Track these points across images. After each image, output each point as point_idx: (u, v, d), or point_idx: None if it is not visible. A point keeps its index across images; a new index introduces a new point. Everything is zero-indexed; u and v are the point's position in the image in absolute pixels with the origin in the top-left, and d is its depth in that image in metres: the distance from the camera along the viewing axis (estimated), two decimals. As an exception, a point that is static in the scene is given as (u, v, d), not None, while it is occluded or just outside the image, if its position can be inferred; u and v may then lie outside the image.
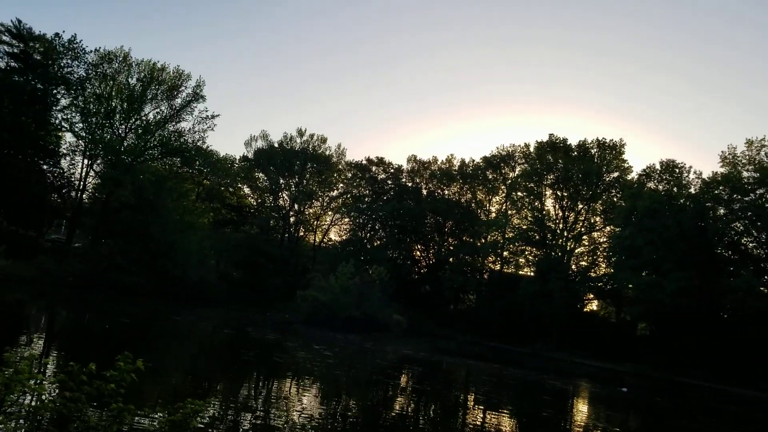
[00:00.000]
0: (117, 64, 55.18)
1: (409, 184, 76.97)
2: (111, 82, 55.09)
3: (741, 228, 51.74)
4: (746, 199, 50.30)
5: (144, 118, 56.45)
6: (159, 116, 56.57)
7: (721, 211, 51.47)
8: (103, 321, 28.25)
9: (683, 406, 29.71)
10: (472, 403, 20.26)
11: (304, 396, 16.66)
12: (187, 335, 29.28)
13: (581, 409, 23.12)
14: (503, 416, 18.25)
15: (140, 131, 55.85)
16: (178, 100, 56.52)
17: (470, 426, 15.78)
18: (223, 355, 24.03)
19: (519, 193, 67.72)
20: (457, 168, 75.00)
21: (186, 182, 61.98)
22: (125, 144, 55.48)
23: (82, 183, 54.55)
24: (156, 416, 9.73)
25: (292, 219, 75.30)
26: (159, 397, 13.48)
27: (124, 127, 56.18)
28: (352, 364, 26.57)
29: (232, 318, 43.23)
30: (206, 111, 57.04)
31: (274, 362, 22.67)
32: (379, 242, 76.34)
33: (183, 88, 56.34)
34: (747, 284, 44.57)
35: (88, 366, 5.92)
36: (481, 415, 17.88)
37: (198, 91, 56.51)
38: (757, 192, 50.38)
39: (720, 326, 49.82)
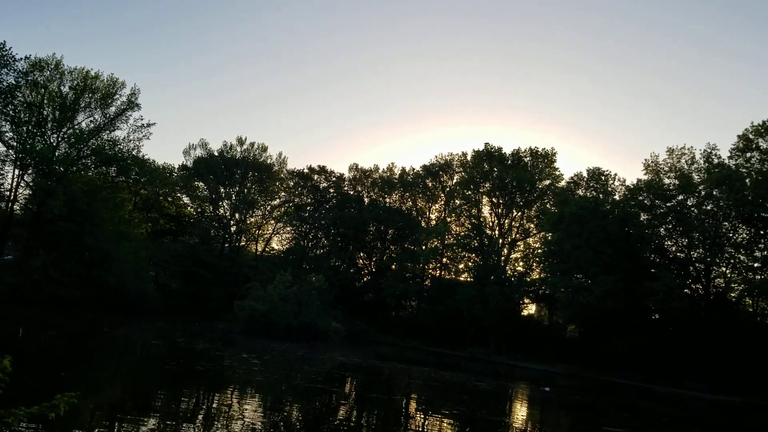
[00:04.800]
0: (48, 72, 54.17)
1: (351, 193, 77.69)
2: (42, 90, 53.99)
3: (664, 233, 54.20)
4: (668, 204, 52.74)
5: (77, 126, 55.50)
6: (93, 125, 55.75)
7: (644, 216, 53.80)
8: (32, 335, 27.81)
9: (600, 403, 31.09)
10: (412, 408, 20.79)
11: (212, 405, 16.99)
12: (113, 347, 29.05)
13: (504, 409, 23.99)
14: (443, 420, 18.85)
15: (73, 140, 54.82)
16: (113, 109, 55.87)
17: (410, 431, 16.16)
18: (143, 365, 24.04)
19: (457, 201, 69.24)
20: (397, 176, 76.14)
21: (122, 192, 61.13)
22: (57, 153, 54.36)
23: (12, 194, 53.19)
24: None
25: (233, 228, 74.92)
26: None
27: (56, 136, 55.11)
28: (276, 372, 26.89)
29: (168, 329, 42.86)
30: (141, 119, 56.52)
31: (196, 371, 22.80)
32: (321, 251, 76.81)
33: (117, 96, 55.73)
34: (667, 286, 46.71)
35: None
36: (421, 420, 18.44)
37: (133, 99, 55.90)
38: (678, 198, 52.95)
39: (646, 327, 51.94)
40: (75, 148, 54.86)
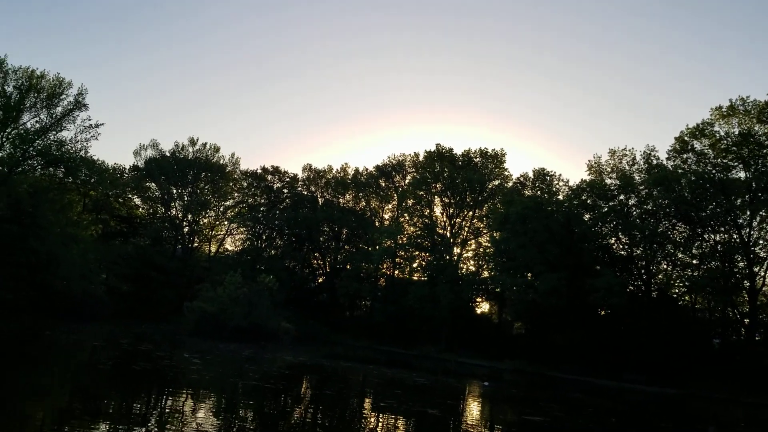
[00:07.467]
0: (-9, 71, 53.33)
1: (305, 193, 78.02)
2: (-15, 90, 53.12)
3: (606, 231, 55.94)
4: (610, 204, 54.50)
5: (22, 127, 54.68)
6: (38, 125, 54.98)
7: (587, 216, 55.46)
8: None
9: (535, 396, 32.15)
10: (340, 402, 21.24)
11: (140, 404, 17.27)
12: (49, 350, 28.78)
13: (434, 402, 24.63)
14: (367, 411, 19.33)
15: (18, 141, 54.00)
16: (59, 109, 55.17)
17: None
18: (75, 367, 24.06)
19: (409, 201, 70.12)
20: (351, 177, 76.72)
21: (70, 193, 60.31)
22: (1, 154, 53.56)
23: (-47, 195, 52.08)
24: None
25: (185, 229, 74.43)
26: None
27: (0, 136, 54.18)
28: (213, 371, 27.15)
29: (113, 332, 42.53)
30: (89, 119, 55.93)
31: (131, 371, 22.96)
32: (275, 251, 76.87)
33: (64, 96, 55.04)
34: (608, 283, 48.30)
35: None
36: (342, 412, 18.89)
37: (80, 99, 55.30)
38: (620, 198, 54.75)
39: (589, 323, 53.48)
40: (20, 148, 54.06)
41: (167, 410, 15.70)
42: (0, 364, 21.06)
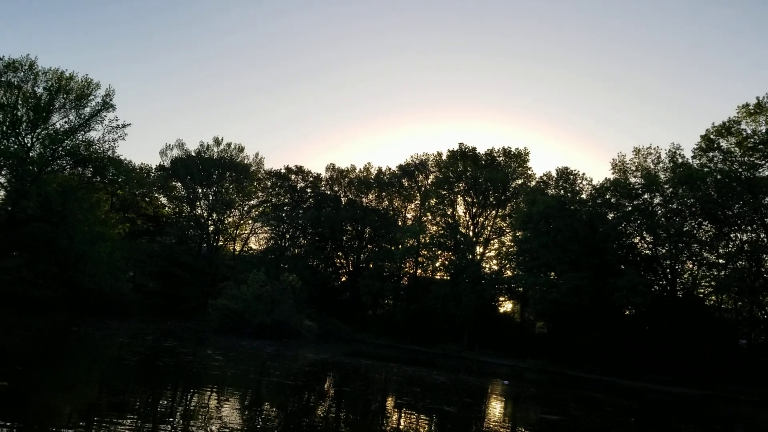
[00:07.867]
0: (22, 73, 54.73)
1: (328, 193, 78.55)
2: (16, 91, 54.47)
3: (631, 230, 55.48)
4: (634, 203, 54.04)
5: (51, 127, 55.97)
6: (67, 126, 56.28)
7: (611, 215, 55.05)
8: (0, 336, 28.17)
9: (555, 395, 32.07)
10: (357, 397, 21.54)
11: (157, 399, 17.68)
12: (77, 346, 29.47)
13: (450, 399, 24.77)
14: (409, 414, 19.52)
15: (47, 141, 55.26)
16: (87, 110, 56.45)
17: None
18: (104, 360, 24.65)
19: (432, 200, 70.25)
20: (374, 176, 77.05)
21: (99, 192, 61.52)
22: (32, 154, 54.83)
23: (-14, 195, 53.56)
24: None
25: (210, 228, 75.43)
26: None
27: (30, 137, 55.54)
28: (234, 367, 27.58)
29: (139, 329, 43.26)
30: (117, 120, 57.17)
31: (156, 366, 23.47)
32: (299, 250, 77.53)
33: (92, 97, 56.32)
34: (631, 282, 47.92)
35: None
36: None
37: (108, 100, 56.55)
38: (644, 197, 54.25)
39: (612, 322, 53.14)
40: (50, 148, 55.32)
41: (191, 406, 16.05)
42: (29, 359, 21.65)
